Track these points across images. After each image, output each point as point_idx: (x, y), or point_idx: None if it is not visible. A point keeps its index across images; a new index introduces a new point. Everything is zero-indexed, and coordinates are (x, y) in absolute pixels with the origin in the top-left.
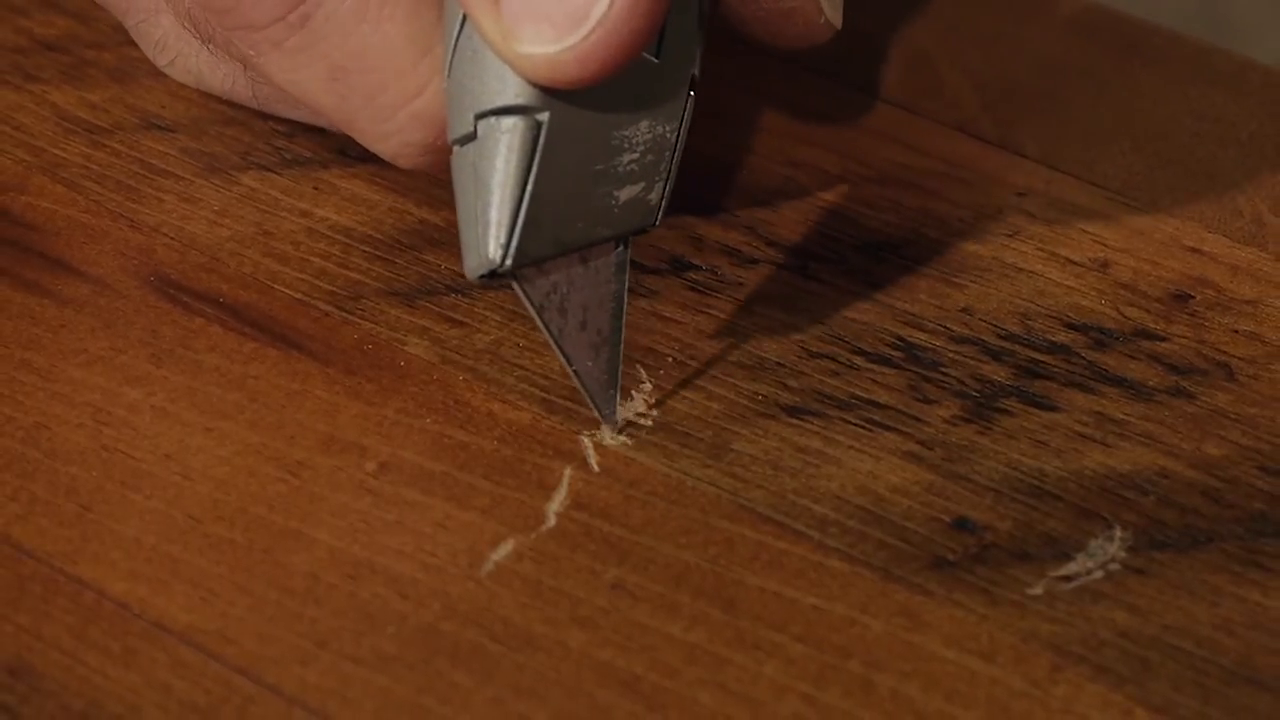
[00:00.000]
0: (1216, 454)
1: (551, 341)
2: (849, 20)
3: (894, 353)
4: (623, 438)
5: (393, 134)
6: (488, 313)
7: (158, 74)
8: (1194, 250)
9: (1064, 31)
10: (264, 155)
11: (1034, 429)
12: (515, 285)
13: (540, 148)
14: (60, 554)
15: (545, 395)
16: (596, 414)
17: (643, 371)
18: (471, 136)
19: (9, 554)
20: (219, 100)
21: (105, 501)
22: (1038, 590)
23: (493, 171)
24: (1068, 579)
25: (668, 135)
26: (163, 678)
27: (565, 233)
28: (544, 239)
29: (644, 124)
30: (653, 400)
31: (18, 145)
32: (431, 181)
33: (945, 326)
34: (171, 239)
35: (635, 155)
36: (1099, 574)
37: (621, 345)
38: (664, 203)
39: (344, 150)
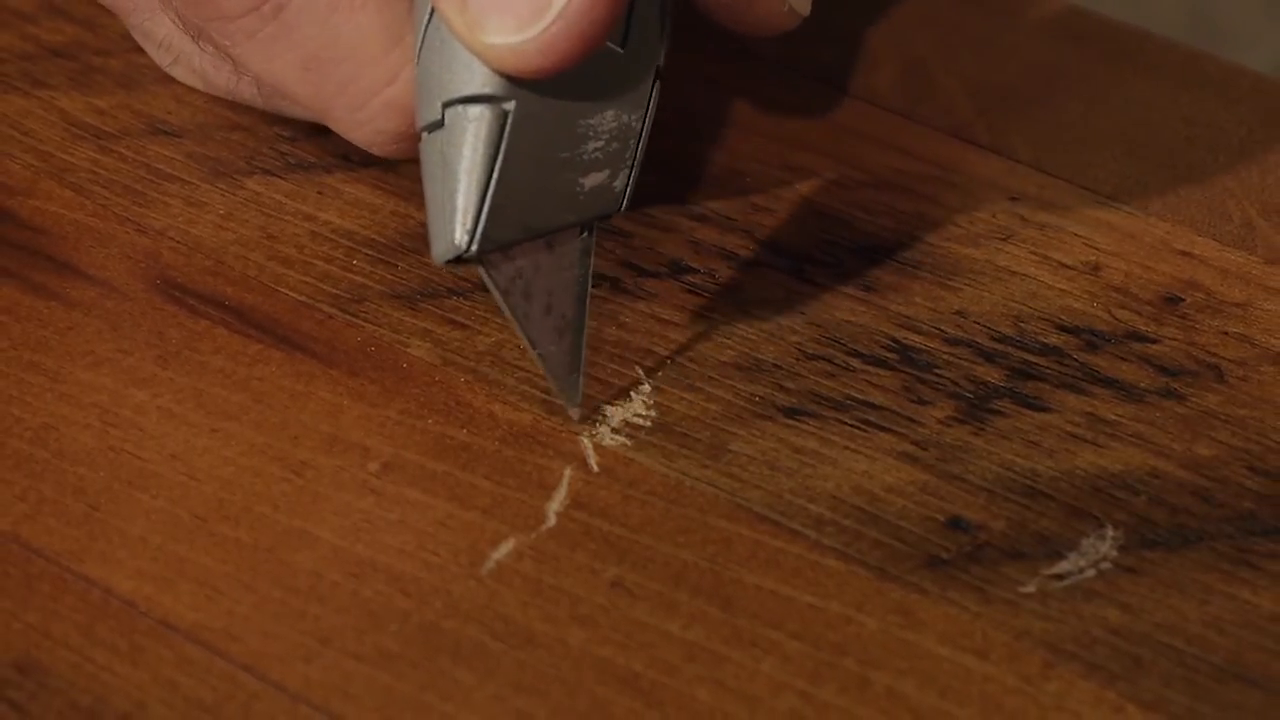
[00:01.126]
0: (1207, 454)
1: (516, 325)
2: (844, 26)
3: (889, 354)
4: (622, 438)
5: (366, 122)
6: (489, 315)
7: (164, 80)
8: (1184, 254)
9: (1057, 38)
10: (268, 160)
11: (1027, 429)
12: (481, 269)
13: (506, 136)
14: (68, 553)
15: (545, 397)
16: (561, 398)
17: (641, 373)
18: (439, 124)
19: (18, 553)
20: (224, 105)
21: (112, 501)
22: (1031, 588)
23: (460, 158)
24: (1060, 577)
25: (633, 124)
26: (169, 674)
27: (530, 218)
28: (509, 224)
29: (609, 113)
30: (651, 401)
31: (26, 150)
32: None
33: (939, 329)
34: (177, 242)
35: (600, 143)
36: (1091, 572)
37: (585, 330)
38: (629, 190)
39: (347, 155)
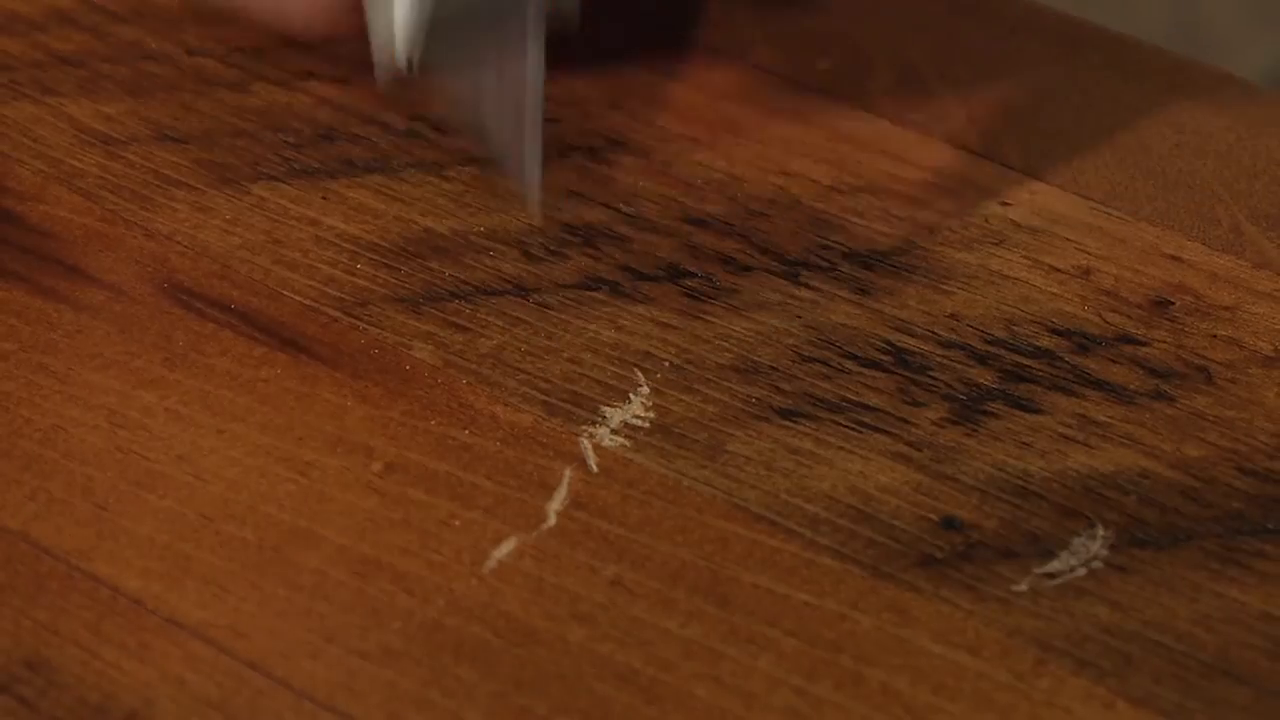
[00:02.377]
0: (1196, 455)
1: (470, 133)
2: (839, 35)
3: (883, 357)
4: (621, 439)
5: None
6: (491, 318)
7: (171, 87)
8: (1174, 258)
9: (1048, 47)
10: (273, 166)
11: (1019, 431)
12: (429, 84)
13: None
14: (77, 552)
15: (546, 398)
16: (523, 198)
17: (640, 375)
18: None
19: (27, 551)
20: (230, 113)
21: (120, 501)
22: (1023, 587)
23: None
24: (1051, 576)
25: None
26: (176, 671)
27: (473, 30)
28: (447, 28)
29: None
30: (650, 403)
31: (36, 156)
32: (435, 191)
33: (933, 332)
34: (184, 247)
35: None
36: (1082, 571)
37: (540, 131)
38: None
39: (350, 161)
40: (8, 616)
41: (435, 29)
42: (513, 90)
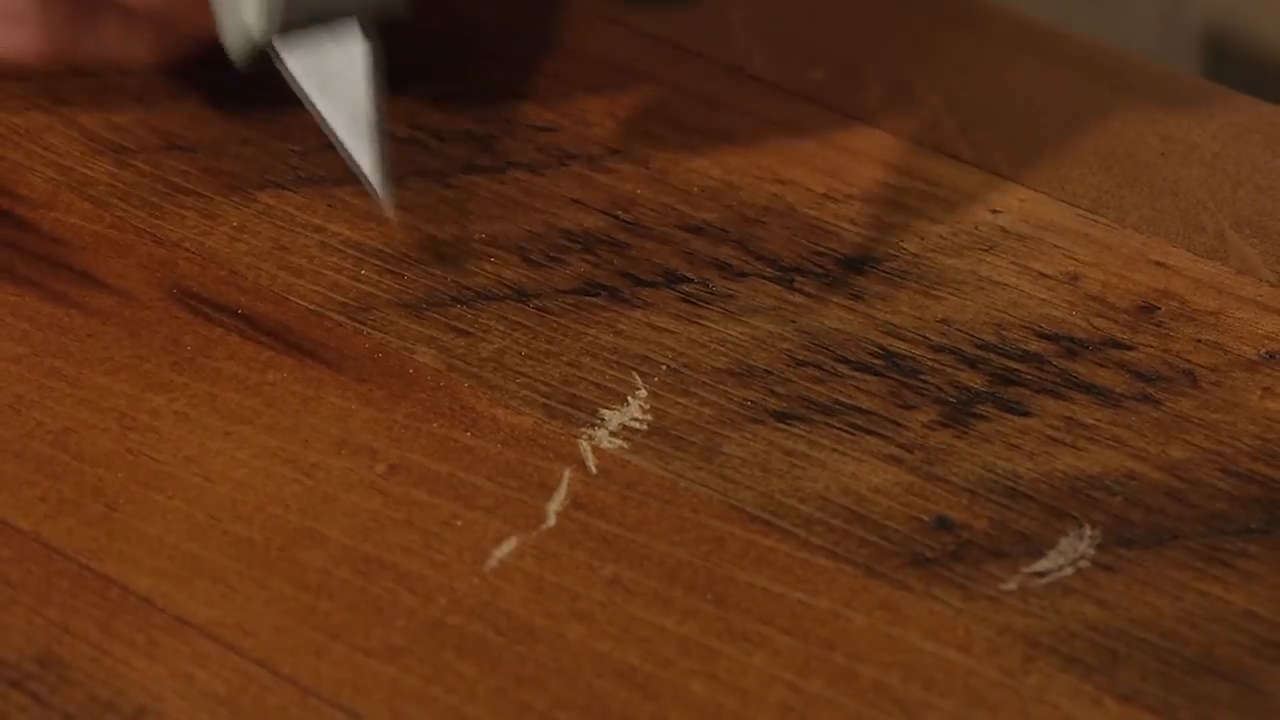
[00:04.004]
0: (1180, 457)
1: (317, 116)
2: (832, 48)
3: (876, 361)
4: (619, 441)
5: None
6: (492, 323)
7: (179, 97)
8: (1159, 264)
9: (1037, 58)
10: (280, 174)
11: (1008, 433)
12: (277, 57)
13: None
14: (87, 551)
15: (546, 401)
16: (373, 195)
17: (638, 378)
18: None
19: (39, 551)
20: (237, 122)
21: (130, 502)
22: (1012, 585)
23: None
24: (1040, 575)
25: None
26: (184, 668)
27: (318, 8)
28: (298, 12)
29: None
30: (648, 406)
31: (47, 164)
32: (438, 199)
33: (924, 336)
34: (193, 253)
35: None
36: (1069, 570)
37: (385, 130)
38: None
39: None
40: (20, 615)
41: (286, 4)
42: (356, 94)
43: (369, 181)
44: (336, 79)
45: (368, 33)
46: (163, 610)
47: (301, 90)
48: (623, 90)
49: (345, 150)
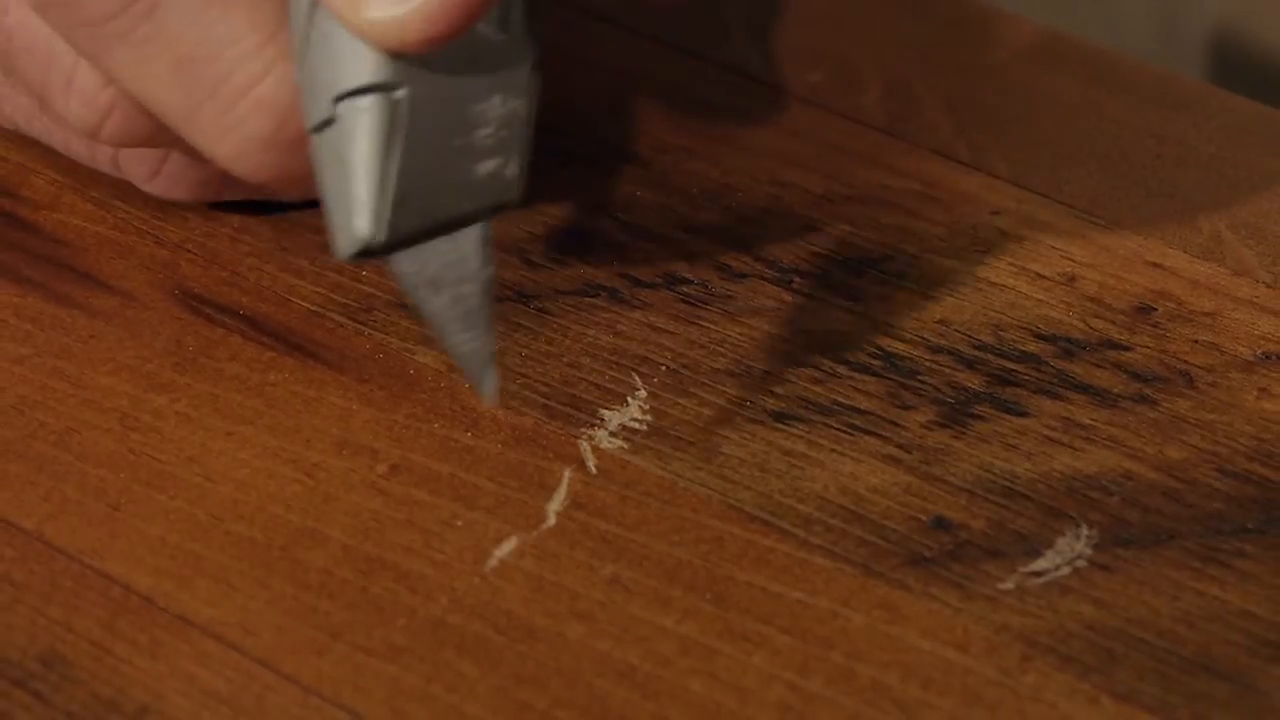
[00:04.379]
0: (1177, 457)
1: (426, 318)
2: (830, 49)
3: (874, 362)
4: (619, 442)
5: (235, 126)
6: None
7: None
8: (1156, 265)
9: (1034, 60)
10: None
11: (1006, 433)
12: (388, 262)
13: (404, 123)
14: (90, 551)
15: (546, 402)
16: (475, 388)
17: (638, 379)
18: (331, 120)
19: (42, 551)
20: None
21: (132, 502)
22: (1009, 585)
23: (357, 150)
24: (1037, 574)
25: (519, 110)
26: (186, 667)
27: (430, 208)
28: (411, 214)
29: (496, 99)
30: (647, 406)
31: (50, 165)
32: None
33: (922, 337)
34: (195, 254)
35: (490, 130)
36: (1067, 570)
37: (493, 321)
38: (521, 177)
39: None
40: (23, 614)
41: (399, 207)
42: (465, 276)
43: (473, 378)
44: (447, 278)
45: (483, 223)
46: (165, 610)
47: (411, 289)
48: (623, 92)
49: (450, 344)
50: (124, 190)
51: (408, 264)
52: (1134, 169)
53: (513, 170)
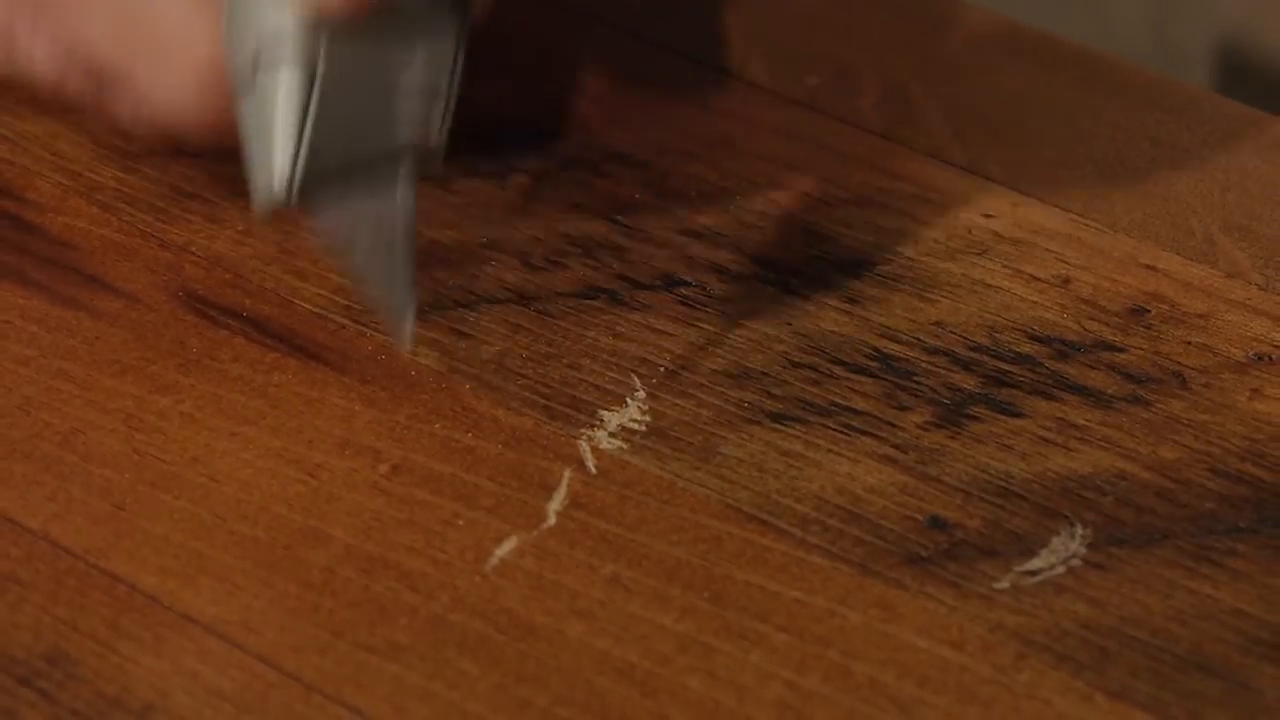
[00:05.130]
0: (1170, 457)
1: (344, 266)
2: (828, 54)
3: (871, 363)
4: (618, 442)
5: (173, 83)
6: (493, 326)
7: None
8: (1149, 268)
9: (1029, 64)
10: None
11: (1001, 434)
12: (303, 214)
13: (315, 91)
14: (95, 550)
15: (546, 403)
16: (391, 335)
17: (637, 380)
18: (250, 85)
19: (47, 550)
20: None
21: (137, 501)
22: (1004, 584)
23: (271, 116)
24: (1032, 573)
25: (441, 79)
26: (190, 665)
27: (344, 171)
28: (323, 169)
29: (418, 69)
30: (646, 407)
31: (56, 170)
32: (439, 204)
33: (918, 339)
34: (198, 257)
35: (411, 96)
36: (1061, 569)
37: (413, 266)
38: (445, 122)
39: None
40: (29, 613)
41: (311, 168)
42: (386, 229)
43: (390, 322)
44: (367, 234)
45: (403, 181)
46: (169, 608)
47: (331, 243)
48: (622, 97)
49: (371, 294)
50: (129, 194)
51: (325, 217)
52: (1128, 173)
53: (436, 116)
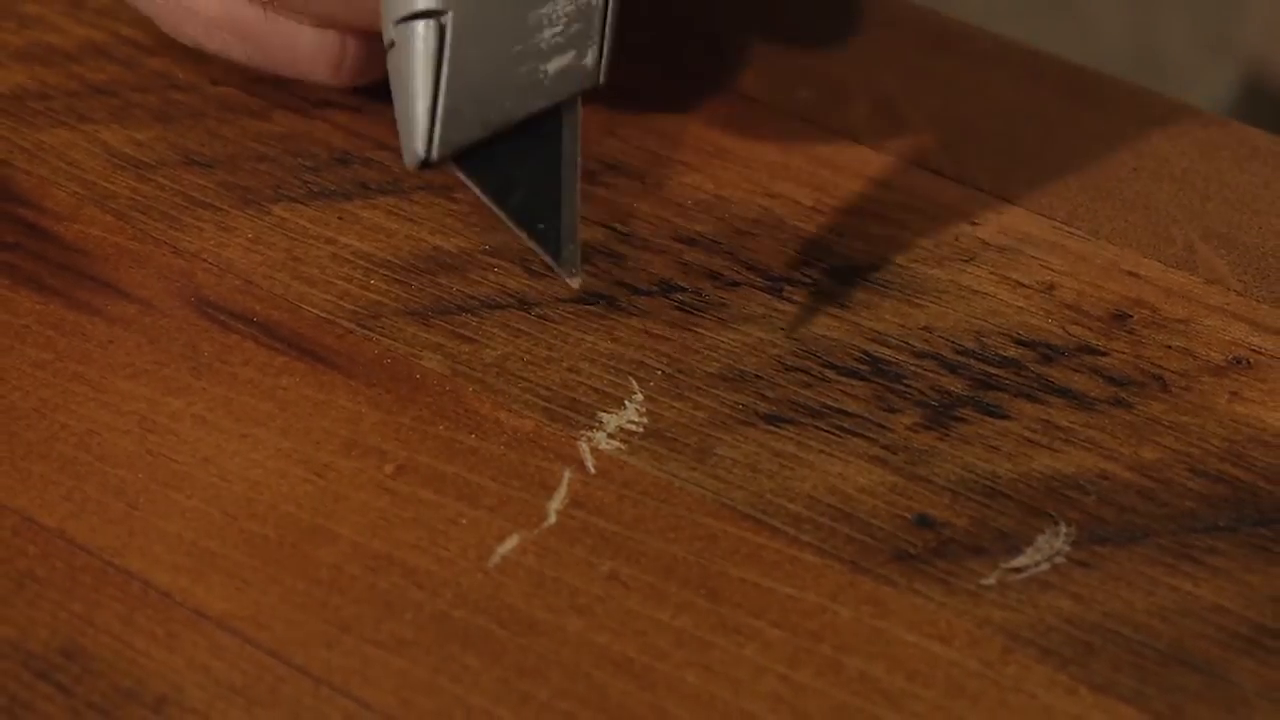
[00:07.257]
0: (1151, 458)
1: (500, 215)
2: (819, 68)
3: (861, 366)
4: (617, 443)
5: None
6: (495, 330)
7: (197, 115)
8: (1131, 274)
9: (1015, 77)
10: (293, 189)
11: (987, 435)
12: (454, 170)
13: (448, 45)
14: (110, 548)
15: (547, 405)
16: (559, 271)
17: (635, 383)
18: (393, 43)
19: (63, 548)
20: (253, 139)
21: (150, 501)
22: (991, 581)
23: (411, 74)
24: (1018, 570)
25: (593, 3)
26: (202, 659)
27: (492, 114)
28: (469, 125)
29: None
30: (644, 409)
31: (71, 179)
32: (444, 211)
33: (907, 343)
34: (210, 264)
35: (559, 29)
36: (1046, 566)
37: (578, 202)
38: (603, 62)
39: (365, 184)
40: (46, 609)
41: (453, 121)
42: (547, 176)
43: (556, 261)
44: (523, 176)
45: (568, 120)
46: (182, 604)
47: (483, 193)
48: (620, 109)
49: (528, 237)
50: (142, 203)
51: (477, 168)
52: (1111, 182)
53: (591, 59)
